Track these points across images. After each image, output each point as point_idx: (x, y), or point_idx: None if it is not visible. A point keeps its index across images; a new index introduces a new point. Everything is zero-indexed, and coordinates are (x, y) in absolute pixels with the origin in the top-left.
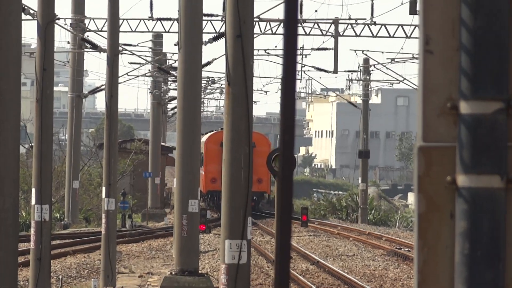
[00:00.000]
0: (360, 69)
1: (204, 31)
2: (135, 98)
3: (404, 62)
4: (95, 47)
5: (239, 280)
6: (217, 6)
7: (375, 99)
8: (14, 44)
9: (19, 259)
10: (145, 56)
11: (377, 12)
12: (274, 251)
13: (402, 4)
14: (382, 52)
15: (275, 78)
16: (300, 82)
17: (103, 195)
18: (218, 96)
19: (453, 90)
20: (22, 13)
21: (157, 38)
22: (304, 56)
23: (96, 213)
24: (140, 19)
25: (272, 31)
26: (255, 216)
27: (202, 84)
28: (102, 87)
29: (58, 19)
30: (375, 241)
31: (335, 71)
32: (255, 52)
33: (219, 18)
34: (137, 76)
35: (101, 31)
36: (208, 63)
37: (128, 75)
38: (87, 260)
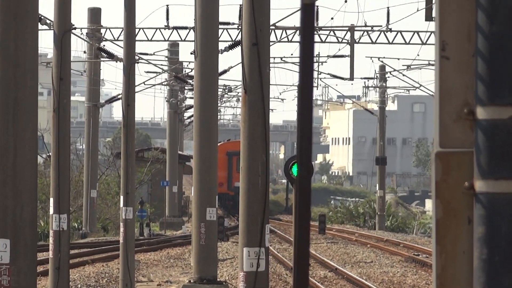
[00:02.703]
0: (376, 76)
1: (220, 39)
2: (151, 107)
3: (420, 69)
4: (111, 56)
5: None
6: (233, 15)
7: (391, 106)
8: (31, 54)
9: (38, 268)
10: (162, 65)
11: (393, 19)
12: (292, 259)
13: (418, 10)
14: (398, 59)
15: (291, 85)
16: (317, 89)
17: (121, 204)
18: (234, 104)
19: (470, 96)
20: (39, 23)
21: (173, 47)
22: (320, 63)
23: (114, 222)
24: (156, 28)
25: (288, 38)
26: None
27: (219, 92)
28: (119, 96)
29: (75, 28)
30: (393, 247)
31: (351, 78)
32: (271, 60)
33: (235, 26)
34: (154, 85)
35: (117, 40)
36: (225, 71)
37: (145, 84)
38: (106, 269)
